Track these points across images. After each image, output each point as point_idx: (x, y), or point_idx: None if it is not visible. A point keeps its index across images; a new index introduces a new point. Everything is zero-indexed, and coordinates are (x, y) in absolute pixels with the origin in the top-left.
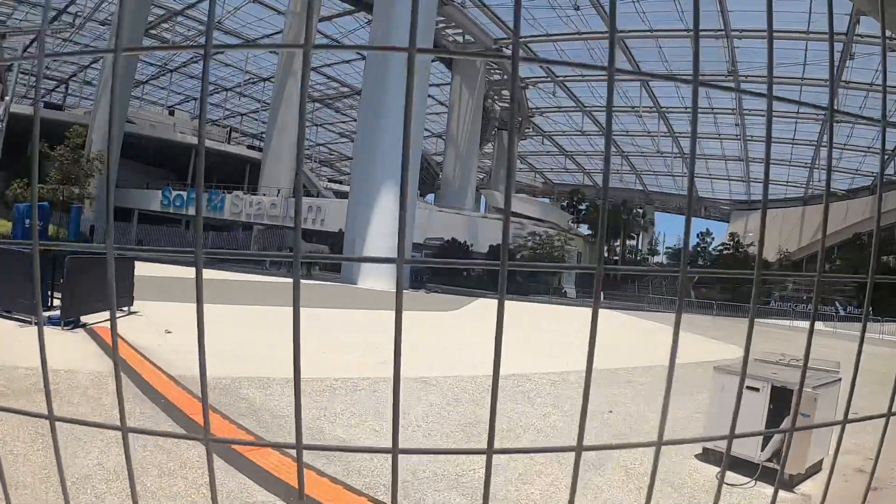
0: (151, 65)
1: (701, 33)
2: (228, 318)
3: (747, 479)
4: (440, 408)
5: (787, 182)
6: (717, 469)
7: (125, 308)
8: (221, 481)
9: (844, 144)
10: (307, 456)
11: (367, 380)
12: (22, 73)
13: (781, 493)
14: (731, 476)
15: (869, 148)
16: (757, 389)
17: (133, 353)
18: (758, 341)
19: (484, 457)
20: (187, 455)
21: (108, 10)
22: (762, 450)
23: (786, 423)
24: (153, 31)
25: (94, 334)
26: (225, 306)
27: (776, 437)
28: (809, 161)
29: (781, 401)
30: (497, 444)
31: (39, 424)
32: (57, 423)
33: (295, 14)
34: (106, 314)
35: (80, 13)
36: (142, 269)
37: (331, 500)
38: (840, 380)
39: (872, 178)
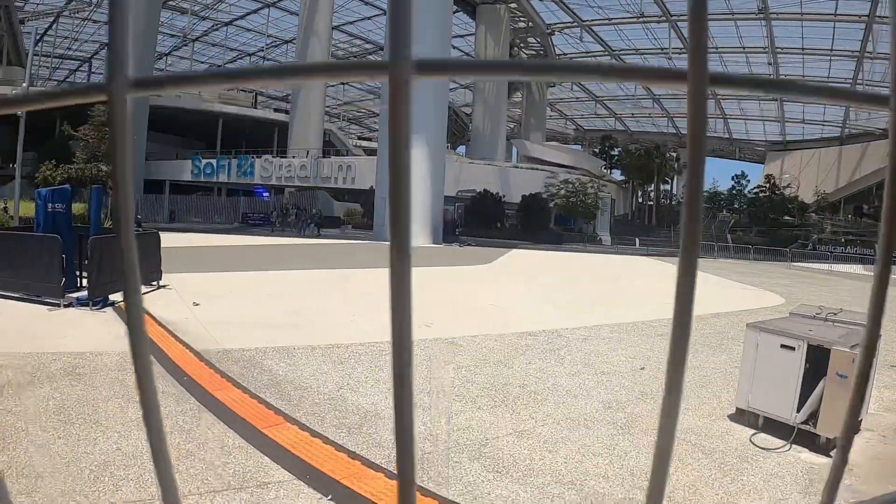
0: (172, 36)
1: None
2: (252, 284)
3: (782, 443)
4: (467, 370)
5: (823, 121)
6: (752, 431)
7: (154, 283)
8: (238, 460)
9: (882, 80)
10: (331, 432)
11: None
12: (44, 55)
13: (817, 459)
14: (764, 439)
15: None
16: (792, 348)
17: (159, 330)
18: (797, 286)
19: (510, 425)
20: (206, 436)
21: None
22: (798, 411)
23: (822, 385)
24: (171, 3)
25: (122, 313)
26: (249, 273)
27: (813, 398)
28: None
29: (818, 360)
30: (521, 408)
31: (63, 413)
32: (76, 410)
33: None
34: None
35: None
36: (173, 240)
37: (346, 477)
38: (880, 336)
39: None
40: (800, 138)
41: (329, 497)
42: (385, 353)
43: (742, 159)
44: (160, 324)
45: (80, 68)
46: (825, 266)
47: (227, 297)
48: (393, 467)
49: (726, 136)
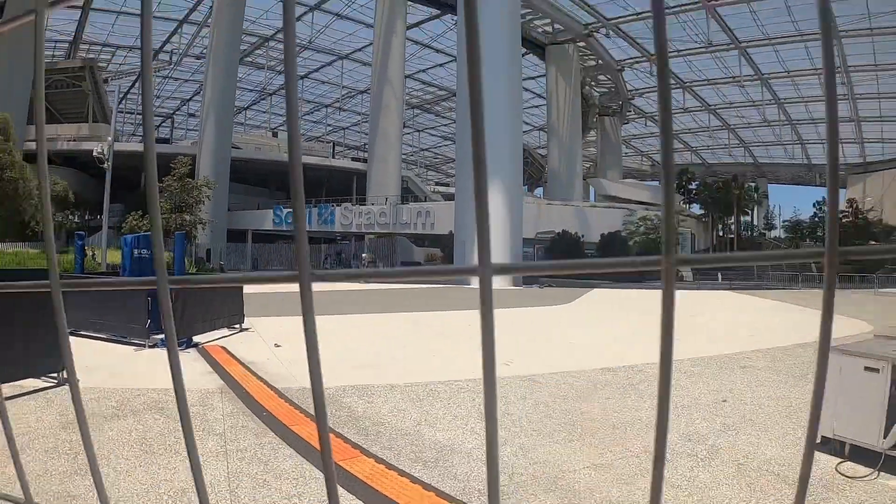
0: (250, 91)
1: None
2: (334, 327)
3: (868, 471)
4: (545, 405)
5: None
6: (838, 460)
7: (237, 325)
8: (313, 490)
9: None
10: (407, 465)
11: (471, 381)
12: (128, 112)
13: None
14: (850, 467)
15: None
16: (877, 370)
17: (240, 369)
18: (886, 313)
19: (586, 458)
20: (283, 467)
21: (201, 44)
22: (885, 436)
23: None
24: (248, 59)
25: (205, 353)
26: (330, 317)
27: None
28: None
29: None
30: (598, 441)
31: (145, 444)
32: (157, 441)
33: (381, 25)
34: (217, 333)
35: (175, 50)
36: (253, 287)
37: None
38: None
39: None
40: (880, 158)
41: None
42: (462, 391)
43: (823, 185)
44: (242, 363)
45: (163, 124)
46: None
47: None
48: (467, 498)
49: (805, 161)
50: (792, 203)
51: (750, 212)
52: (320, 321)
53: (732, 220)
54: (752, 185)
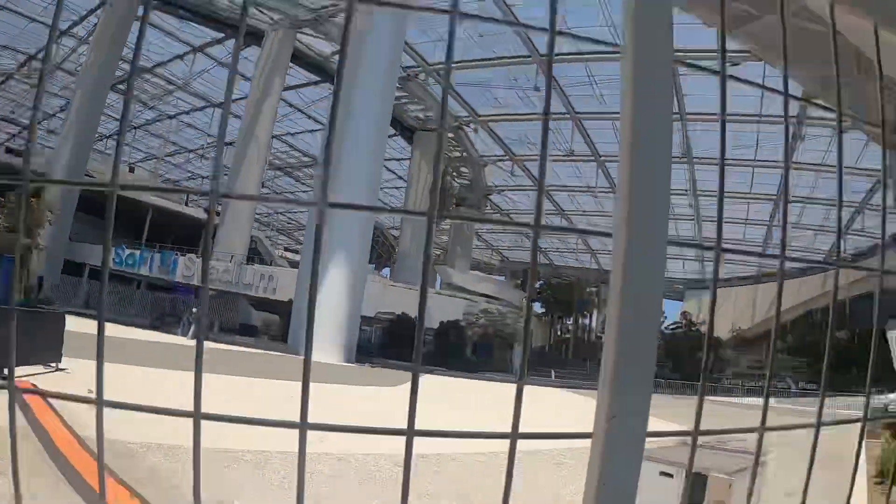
0: (115, 119)
1: None
2: (153, 381)
3: None
4: (351, 485)
5: (742, 260)
6: None
7: (52, 364)
8: None
9: (796, 223)
10: None
11: (281, 453)
12: None
13: None
14: None
15: (822, 226)
16: (671, 475)
17: (47, 412)
18: (706, 419)
19: None
20: None
21: (77, 60)
22: None
23: None
24: (120, 87)
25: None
26: (152, 369)
27: None
28: (762, 240)
29: (697, 487)
30: None
31: None
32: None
33: (259, 81)
34: (29, 369)
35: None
36: (80, 325)
37: None
38: (763, 464)
39: (825, 255)
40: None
41: None
42: (270, 461)
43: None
44: (50, 405)
45: (20, 134)
46: (738, 399)
47: (126, 389)
48: None
49: None
50: None
51: (589, 315)
52: (138, 371)
53: (571, 322)
54: (595, 289)
